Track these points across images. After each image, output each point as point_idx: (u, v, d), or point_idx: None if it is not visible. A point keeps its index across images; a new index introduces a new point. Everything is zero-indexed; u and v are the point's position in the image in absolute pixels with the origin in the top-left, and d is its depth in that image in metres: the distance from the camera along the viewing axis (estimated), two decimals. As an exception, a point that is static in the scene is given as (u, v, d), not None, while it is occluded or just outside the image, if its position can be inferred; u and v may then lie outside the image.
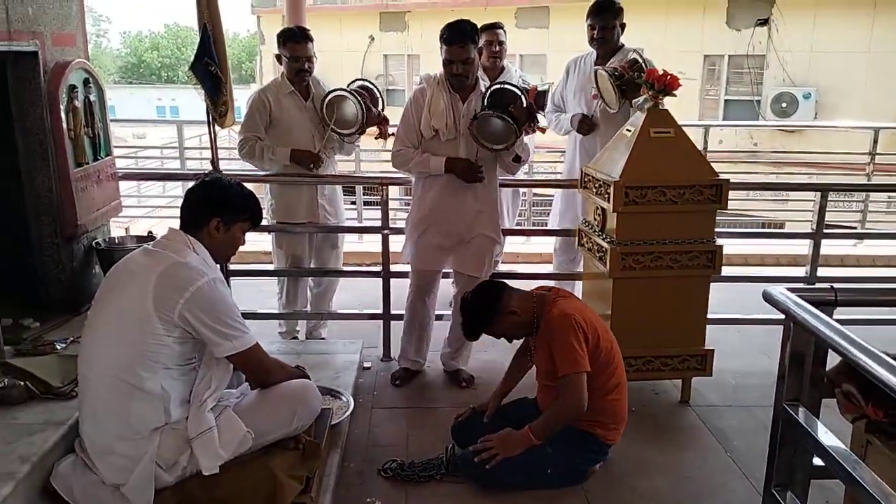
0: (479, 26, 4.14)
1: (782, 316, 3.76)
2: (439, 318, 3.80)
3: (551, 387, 2.80)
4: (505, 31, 4.27)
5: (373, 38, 15.34)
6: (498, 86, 3.36)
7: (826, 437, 1.74)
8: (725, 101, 12.58)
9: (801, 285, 1.96)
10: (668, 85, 3.18)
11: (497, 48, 4.17)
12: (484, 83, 3.47)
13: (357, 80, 3.99)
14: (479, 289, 2.92)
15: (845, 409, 1.96)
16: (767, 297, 1.91)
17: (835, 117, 11.21)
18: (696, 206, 3.18)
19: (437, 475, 2.83)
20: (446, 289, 3.85)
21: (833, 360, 2.00)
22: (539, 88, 3.62)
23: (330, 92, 3.68)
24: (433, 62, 3.43)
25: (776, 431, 1.95)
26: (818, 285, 1.95)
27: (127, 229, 4.21)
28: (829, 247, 4.78)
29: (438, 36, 3.26)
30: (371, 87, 3.93)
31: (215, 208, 2.33)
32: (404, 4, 15.20)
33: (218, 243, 2.36)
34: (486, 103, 3.28)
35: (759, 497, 2.67)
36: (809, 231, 3.97)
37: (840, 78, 11.38)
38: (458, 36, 3.19)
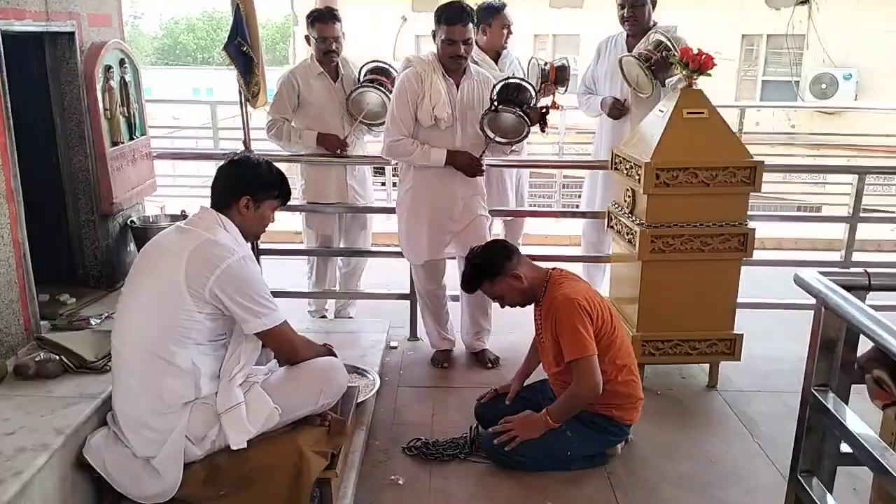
0: (484, 7, 4.06)
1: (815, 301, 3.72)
2: (453, 298, 3.80)
3: (559, 372, 2.79)
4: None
5: (405, 19, 15.27)
6: (516, 81, 3.31)
7: (855, 423, 1.71)
8: (763, 81, 12.34)
9: (834, 270, 1.91)
10: (702, 64, 3.12)
11: (510, 31, 4.07)
12: (477, 68, 3.42)
13: (368, 62, 3.90)
14: (491, 243, 2.91)
15: (876, 395, 1.92)
16: (799, 281, 1.88)
17: (876, 99, 10.91)
18: (728, 189, 3.13)
19: (461, 454, 2.86)
20: (451, 270, 3.78)
21: (864, 346, 1.97)
22: (556, 65, 3.60)
23: (352, 91, 3.68)
24: None
25: (804, 416, 1.93)
26: (851, 270, 1.90)
27: (162, 208, 4.27)
28: (865, 231, 4.67)
29: (435, 17, 3.22)
30: (384, 66, 3.87)
31: (245, 186, 2.35)
32: (437, -16, 15.08)
33: (248, 221, 2.39)
34: (498, 96, 3.24)
35: (785, 483, 2.66)
36: (845, 215, 3.88)
37: (882, 59, 11.06)
38: (459, 15, 3.15)
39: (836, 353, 1.86)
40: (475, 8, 3.46)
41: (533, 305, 2.88)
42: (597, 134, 4.33)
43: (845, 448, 1.98)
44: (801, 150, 9.76)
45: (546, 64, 3.74)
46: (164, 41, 41.19)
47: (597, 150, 4.27)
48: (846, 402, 1.87)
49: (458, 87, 3.30)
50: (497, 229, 4.50)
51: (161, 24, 42.21)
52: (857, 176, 3.78)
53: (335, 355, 2.68)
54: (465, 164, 3.30)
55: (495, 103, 3.21)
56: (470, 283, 2.86)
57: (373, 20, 14.85)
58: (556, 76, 3.62)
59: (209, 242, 2.25)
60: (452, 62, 3.23)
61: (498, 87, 3.25)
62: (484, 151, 3.34)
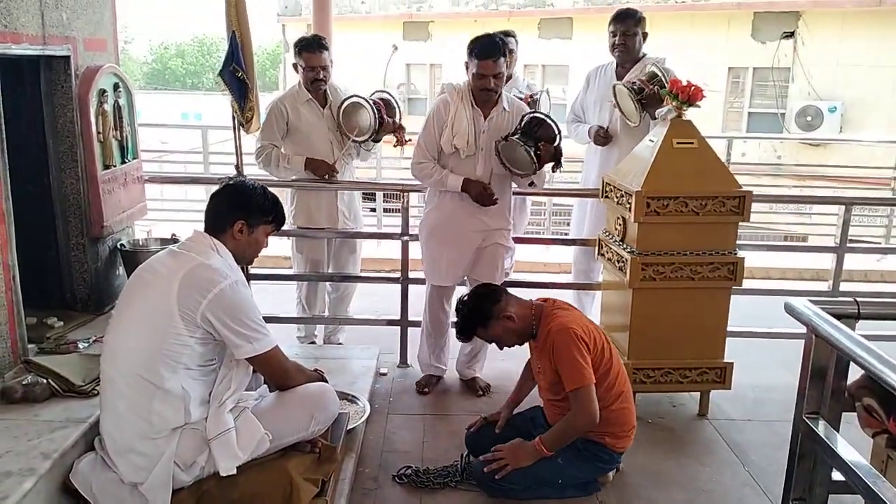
0: None
1: (804, 329, 3.74)
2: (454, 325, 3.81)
3: (556, 401, 2.79)
4: (516, 40, 4.27)
5: (396, 47, 15.44)
6: (542, 117, 3.34)
7: (846, 450, 1.72)
8: (749, 113, 12.50)
9: (825, 298, 1.93)
10: (691, 96, 3.17)
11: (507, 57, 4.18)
12: (507, 99, 3.46)
13: (377, 91, 4.01)
14: (477, 290, 2.91)
15: (866, 423, 1.95)
16: (789, 309, 1.90)
17: (860, 131, 11.09)
18: (718, 218, 3.17)
19: (452, 483, 2.84)
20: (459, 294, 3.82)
21: (854, 374, 1.99)
22: (533, 96, 3.65)
23: (346, 98, 3.71)
24: (455, 71, 3.43)
25: (795, 444, 1.93)
26: (841, 298, 1.92)
27: (149, 232, 4.26)
28: (852, 261, 4.72)
29: (467, 50, 3.27)
30: (389, 98, 3.94)
31: (240, 211, 2.36)
32: (428, 14, 15.29)
33: (242, 246, 2.39)
34: (521, 127, 3.27)
35: (777, 512, 2.67)
36: (833, 245, 3.92)
37: (866, 92, 11.27)
38: (491, 50, 3.20)
39: (826, 382, 1.87)
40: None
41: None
42: (585, 162, 4.36)
43: (836, 476, 1.99)
44: (787, 180, 9.89)
45: (529, 89, 3.80)
46: (153, 66, 41.36)
47: (585, 179, 4.31)
48: (837, 430, 1.88)
49: (486, 117, 3.34)
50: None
51: (151, 49, 42.38)
52: (843, 207, 3.83)
53: (326, 381, 2.67)
54: (477, 193, 3.35)
55: (516, 132, 3.26)
56: (463, 331, 2.87)
57: (364, 48, 15.02)
58: (529, 105, 3.64)
59: (202, 266, 2.25)
60: (483, 95, 3.29)
61: (525, 119, 3.30)
62: (491, 177, 3.36)
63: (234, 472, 2.26)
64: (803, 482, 1.93)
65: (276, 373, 2.43)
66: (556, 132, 3.31)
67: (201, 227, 2.41)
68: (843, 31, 11.38)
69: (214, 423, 2.26)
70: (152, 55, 42.22)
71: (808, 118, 11.53)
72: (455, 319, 3.71)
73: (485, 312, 2.78)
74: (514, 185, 3.55)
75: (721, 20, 12.34)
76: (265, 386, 2.60)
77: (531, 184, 3.44)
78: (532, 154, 3.22)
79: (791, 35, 11.78)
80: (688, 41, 12.06)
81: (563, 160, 3.41)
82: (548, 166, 3.42)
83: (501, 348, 2.92)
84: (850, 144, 10.68)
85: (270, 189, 2.52)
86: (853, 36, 11.29)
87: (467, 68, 3.30)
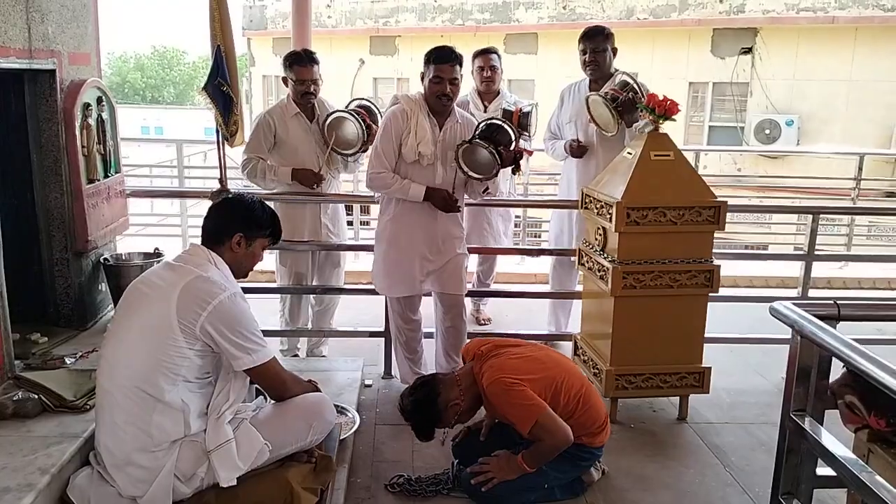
0: (473, 52, 4.33)
1: (778, 335, 3.85)
2: (427, 335, 3.82)
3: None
4: (499, 56, 4.40)
5: (363, 62, 15.50)
6: (498, 122, 3.40)
7: (833, 444, 1.82)
8: (710, 127, 12.83)
9: (807, 301, 2.02)
10: (668, 110, 3.28)
11: (489, 73, 4.30)
12: (463, 112, 3.52)
13: (355, 99, 4.06)
14: (412, 395, 2.78)
15: (848, 419, 2.05)
16: (775, 312, 2.00)
17: (817, 143, 11.47)
18: (694, 227, 3.28)
19: (444, 490, 2.87)
20: (427, 303, 3.79)
21: (834, 373, 2.10)
22: (523, 110, 3.73)
23: (330, 114, 3.75)
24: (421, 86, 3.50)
25: (783, 441, 2.02)
26: (822, 301, 2.03)
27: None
28: (816, 269, 4.89)
29: (424, 58, 3.32)
30: (370, 105, 3.99)
31: (238, 224, 2.39)
32: (395, 29, 15.40)
33: (239, 258, 2.42)
34: (479, 132, 3.33)
35: (759, 510, 2.77)
36: (801, 253, 4.08)
37: (821, 105, 11.66)
38: (447, 56, 3.27)
39: (811, 380, 1.97)
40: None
41: None
42: (563, 174, 4.46)
43: (820, 471, 2.09)
44: (748, 192, 10.16)
45: (512, 105, 3.88)
46: (112, 79, 40.83)
47: (564, 190, 4.39)
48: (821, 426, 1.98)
49: (441, 127, 3.39)
50: (472, 267, 4.60)
51: (109, 62, 41.78)
52: (811, 216, 3.99)
53: (320, 391, 2.70)
54: (441, 199, 3.37)
55: (474, 136, 3.31)
56: (424, 434, 2.80)
57: (331, 62, 15.01)
58: (519, 121, 3.73)
59: (200, 279, 2.27)
60: (438, 102, 3.32)
61: (482, 125, 3.36)
62: (455, 182, 3.38)
63: (235, 483, 2.28)
64: (791, 477, 2.03)
65: (273, 384, 2.45)
66: (514, 136, 3.39)
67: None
68: (799, 46, 11.78)
69: (214, 435, 2.28)
70: (111, 68, 41.63)
71: (767, 131, 11.88)
72: (427, 329, 3.77)
73: (433, 414, 2.74)
74: (466, 195, 3.54)
75: (681, 36, 12.67)
76: (261, 398, 2.62)
77: (486, 190, 3.46)
78: (495, 155, 3.27)
79: (749, 51, 12.14)
80: (650, 57, 12.36)
81: (521, 164, 3.47)
82: (507, 171, 3.48)
83: (465, 423, 2.91)
84: (808, 157, 11.05)
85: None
86: (808, 51, 11.70)
87: (423, 78, 3.36)
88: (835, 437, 1.92)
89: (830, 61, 11.49)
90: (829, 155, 10.07)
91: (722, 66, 12.39)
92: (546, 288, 4.73)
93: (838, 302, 2.01)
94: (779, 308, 1.98)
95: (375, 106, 4.00)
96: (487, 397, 2.75)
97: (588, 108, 3.86)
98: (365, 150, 3.87)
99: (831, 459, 1.79)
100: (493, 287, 4.86)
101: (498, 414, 2.81)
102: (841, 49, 11.42)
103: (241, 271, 2.48)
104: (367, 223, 7.20)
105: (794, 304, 1.98)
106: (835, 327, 1.94)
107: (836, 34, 11.46)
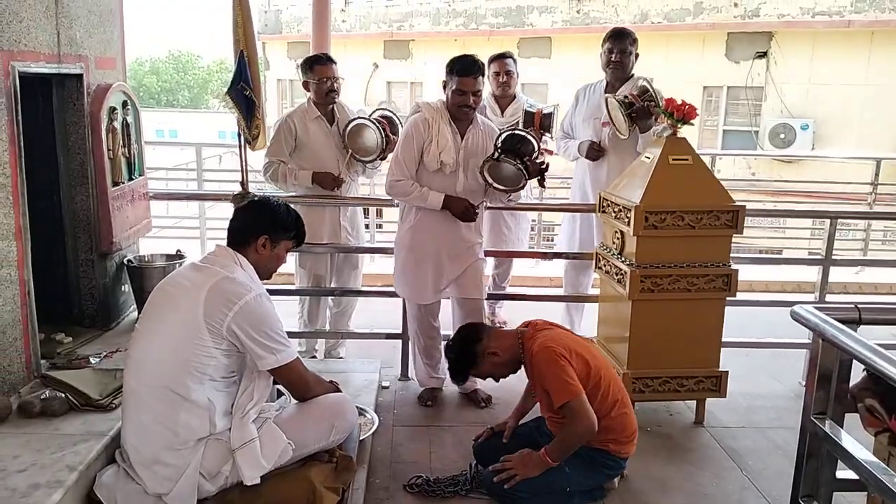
0: (489, 56, 4.35)
1: (793, 339, 3.86)
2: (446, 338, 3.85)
3: (556, 418, 2.85)
4: (515, 61, 4.42)
5: (377, 66, 15.58)
6: (521, 133, 3.41)
7: (855, 448, 1.83)
8: (724, 131, 12.79)
9: (827, 305, 2.04)
10: (686, 114, 3.31)
11: (505, 78, 4.33)
12: (484, 119, 3.54)
13: (378, 108, 4.11)
14: (460, 333, 3.01)
15: (868, 423, 2.06)
16: (795, 316, 2.01)
17: (832, 148, 11.42)
18: (712, 231, 3.29)
19: (462, 491, 2.89)
20: (445, 307, 3.82)
21: (854, 377, 2.11)
22: (544, 111, 3.75)
23: (351, 121, 3.79)
24: (436, 89, 3.51)
25: (803, 444, 2.04)
26: (843, 305, 2.04)
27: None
28: (832, 274, 4.88)
29: (447, 68, 3.34)
30: (391, 115, 4.04)
31: (264, 226, 2.43)
32: (409, 33, 15.47)
33: (264, 260, 2.46)
34: (503, 144, 3.33)
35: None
36: (819, 258, 4.07)
37: (837, 110, 11.60)
38: (471, 68, 3.28)
39: (831, 384, 1.98)
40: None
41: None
42: (574, 178, 4.47)
43: (840, 474, 2.10)
44: (762, 196, 10.13)
45: (533, 107, 3.90)
46: (128, 83, 41.18)
47: (577, 194, 4.40)
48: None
49: (462, 135, 3.41)
50: (488, 270, 4.62)
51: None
52: (829, 221, 3.98)
53: (341, 392, 2.73)
54: (461, 210, 3.38)
55: (498, 151, 3.31)
56: (456, 376, 2.98)
57: (345, 67, 15.08)
58: (542, 122, 3.76)
59: (227, 280, 2.31)
60: (460, 112, 3.34)
61: (503, 136, 3.35)
62: (482, 202, 3.44)
63: (258, 481, 2.31)
64: (811, 481, 2.04)
65: (297, 384, 2.49)
66: (537, 145, 3.41)
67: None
68: (814, 50, 11.73)
69: (239, 434, 2.32)
70: (127, 72, 41.96)
71: (781, 136, 11.84)
72: (445, 332, 3.80)
73: (470, 355, 2.88)
74: (486, 201, 3.57)
75: (696, 40, 12.65)
76: (283, 397, 2.65)
77: (508, 198, 3.49)
78: (522, 170, 3.29)
79: (764, 55, 12.11)
80: (664, 61, 12.35)
81: (546, 175, 3.47)
82: (533, 181, 3.50)
83: (497, 381, 3.01)
84: (823, 161, 10.99)
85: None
86: (824, 55, 11.64)
87: (445, 87, 3.37)
88: (856, 441, 1.93)
89: (846, 65, 11.43)
90: (844, 159, 10.02)
91: (737, 70, 12.36)
92: (561, 291, 4.75)
93: (859, 306, 2.02)
94: (800, 312, 2.00)
95: (397, 117, 4.04)
96: (532, 363, 2.80)
97: (607, 107, 3.88)
98: (383, 159, 3.91)
99: (853, 462, 1.80)
100: (509, 290, 4.87)
101: (538, 382, 2.83)
102: (857, 53, 11.37)
103: (265, 273, 2.52)
104: (381, 226, 7.24)
105: (815, 307, 2.00)
106: (855, 331, 1.96)
107: (852, 38, 11.41)
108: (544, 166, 3.40)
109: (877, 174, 6.71)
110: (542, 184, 3.56)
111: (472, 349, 2.88)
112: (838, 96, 11.53)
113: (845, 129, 11.57)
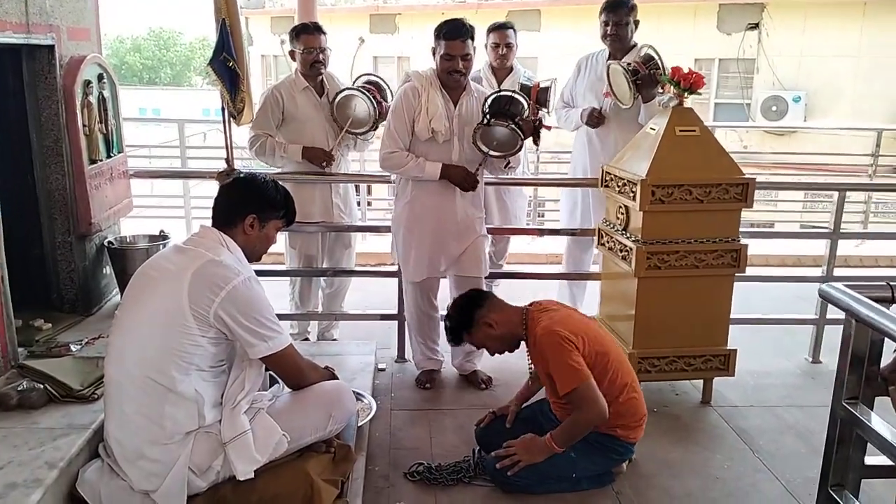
0: (489, 26, 4.19)
1: (805, 316, 3.75)
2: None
3: (561, 403, 2.75)
4: (515, 32, 4.25)
5: (363, 40, 15.27)
6: (507, 93, 3.28)
7: (890, 433, 1.71)
8: (716, 104, 12.66)
9: (859, 283, 1.91)
10: (693, 83, 3.16)
11: (504, 50, 4.16)
12: (478, 86, 3.41)
13: (362, 75, 3.94)
14: (466, 294, 2.92)
15: (900, 406, 1.94)
16: (825, 295, 1.89)
17: (824, 120, 11.33)
18: (721, 205, 3.16)
19: (465, 478, 2.78)
20: (444, 288, 3.71)
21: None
22: (542, 85, 3.60)
23: (339, 92, 3.62)
24: (423, 64, 3.36)
25: (833, 430, 1.92)
26: (875, 283, 1.91)
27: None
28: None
29: (434, 33, 3.20)
30: (377, 80, 3.88)
31: (251, 205, 2.28)
32: (395, 7, 15.16)
33: (252, 241, 2.30)
34: (490, 108, 3.20)
35: (793, 498, 2.67)
36: (827, 231, 3.95)
37: (829, 81, 11.51)
38: (459, 31, 3.14)
39: (863, 366, 1.86)
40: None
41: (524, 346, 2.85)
42: (574, 150, 4.33)
43: (869, 460, 1.99)
44: (754, 169, 10.02)
45: (530, 81, 3.74)
46: (109, 61, 40.47)
47: (578, 166, 4.26)
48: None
49: (455, 103, 3.26)
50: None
51: (106, 44, 41.40)
52: (837, 193, 3.86)
53: (337, 378, 2.59)
54: (461, 177, 3.25)
55: (487, 116, 3.17)
56: (452, 335, 2.89)
57: (330, 41, 14.80)
58: (538, 97, 3.60)
59: (213, 263, 2.15)
60: (451, 78, 3.20)
61: (490, 100, 3.21)
62: (480, 166, 3.29)
63: (252, 475, 2.17)
64: (842, 468, 1.92)
65: (290, 372, 2.34)
66: (527, 103, 3.28)
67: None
68: (806, 22, 11.59)
69: (230, 426, 2.17)
70: (108, 50, 41.20)
71: (773, 108, 11.73)
72: (444, 313, 3.69)
73: (467, 318, 2.79)
74: (486, 173, 3.45)
75: (687, 12, 12.45)
76: (276, 386, 2.51)
77: (507, 165, 3.35)
78: (515, 130, 3.16)
79: (755, 26, 11.95)
80: (655, 32, 12.13)
81: (541, 133, 3.34)
82: (528, 141, 3.37)
83: (492, 354, 2.90)
84: (814, 133, 10.90)
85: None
86: (815, 27, 11.51)
87: (434, 53, 3.23)
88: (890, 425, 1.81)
89: (838, 37, 11.31)
90: (837, 131, 9.92)
91: (728, 42, 12.20)
92: (558, 267, 4.62)
93: (891, 283, 1.89)
94: (831, 291, 1.87)
95: (384, 81, 3.87)
96: (536, 345, 2.69)
97: (608, 75, 3.73)
98: (376, 128, 3.75)
99: (888, 449, 1.69)
100: (506, 268, 4.74)
101: (541, 366, 2.71)
102: (849, 24, 11.25)
103: (254, 254, 2.36)
104: (370, 203, 7.08)
105: (846, 286, 1.87)
106: (888, 309, 1.83)
107: (844, 9, 11.28)
108: (538, 122, 3.28)
109: (878, 145, 6.59)
110: (536, 142, 3.41)
111: (470, 313, 2.79)
112: (830, 68, 11.43)
113: (837, 101, 11.48)
